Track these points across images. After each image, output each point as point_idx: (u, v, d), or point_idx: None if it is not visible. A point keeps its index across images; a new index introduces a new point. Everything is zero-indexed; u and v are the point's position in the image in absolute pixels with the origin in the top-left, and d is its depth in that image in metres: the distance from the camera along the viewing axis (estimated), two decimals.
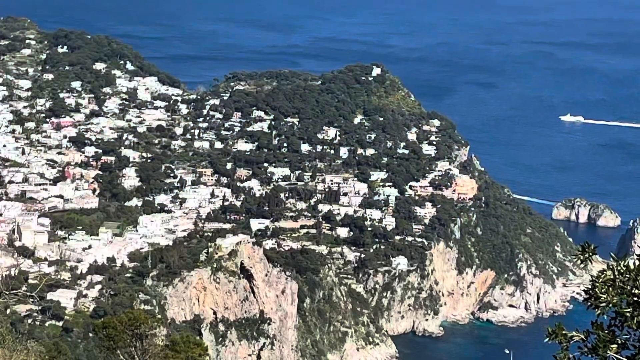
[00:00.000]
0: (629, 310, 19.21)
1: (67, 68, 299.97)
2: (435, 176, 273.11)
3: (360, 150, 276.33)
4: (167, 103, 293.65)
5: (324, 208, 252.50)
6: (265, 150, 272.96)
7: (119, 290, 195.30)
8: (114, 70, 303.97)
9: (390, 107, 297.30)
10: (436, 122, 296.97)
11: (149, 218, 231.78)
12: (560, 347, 19.61)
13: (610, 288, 19.39)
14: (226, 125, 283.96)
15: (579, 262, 20.61)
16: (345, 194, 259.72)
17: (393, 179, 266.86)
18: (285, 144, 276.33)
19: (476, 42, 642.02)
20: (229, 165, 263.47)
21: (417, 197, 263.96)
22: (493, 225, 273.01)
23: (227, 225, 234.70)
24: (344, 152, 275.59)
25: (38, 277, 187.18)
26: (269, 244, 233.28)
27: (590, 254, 20.40)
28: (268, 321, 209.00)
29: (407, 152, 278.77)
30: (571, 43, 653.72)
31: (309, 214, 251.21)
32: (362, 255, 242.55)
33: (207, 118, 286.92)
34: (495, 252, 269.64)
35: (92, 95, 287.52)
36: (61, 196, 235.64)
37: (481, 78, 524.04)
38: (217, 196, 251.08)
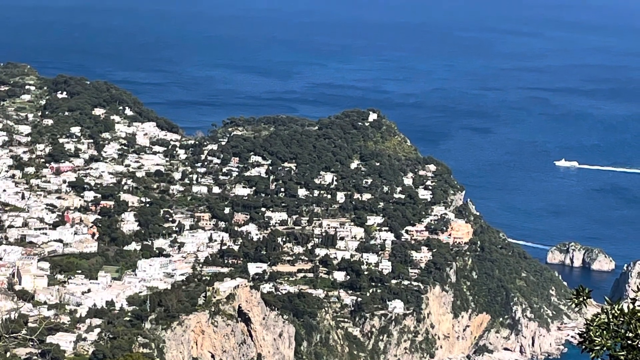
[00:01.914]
0: (623, 353, 19.75)
1: (66, 113, 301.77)
2: (431, 220, 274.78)
3: (356, 195, 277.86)
4: (165, 148, 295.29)
5: (320, 252, 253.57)
6: (263, 195, 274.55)
7: (117, 334, 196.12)
8: (113, 116, 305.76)
9: (387, 152, 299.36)
10: (432, 167, 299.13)
11: (148, 262, 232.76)
12: None
13: (605, 331, 19.97)
14: (224, 170, 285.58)
15: (573, 305, 21.17)
16: (342, 238, 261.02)
17: (389, 224, 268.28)
18: (282, 189, 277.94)
19: (471, 87, 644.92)
20: (226, 210, 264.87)
21: (413, 242, 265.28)
22: (488, 269, 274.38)
23: (225, 269, 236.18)
24: (340, 196, 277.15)
25: (38, 321, 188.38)
26: (266, 287, 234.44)
27: (585, 297, 21.00)
28: None
29: (403, 196, 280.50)
30: (565, 89, 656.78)
31: (306, 258, 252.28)
32: (359, 299, 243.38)
33: (205, 163, 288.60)
34: (491, 295, 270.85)
35: (91, 141, 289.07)
36: (61, 240, 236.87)
37: (476, 123, 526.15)
38: (215, 240, 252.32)
